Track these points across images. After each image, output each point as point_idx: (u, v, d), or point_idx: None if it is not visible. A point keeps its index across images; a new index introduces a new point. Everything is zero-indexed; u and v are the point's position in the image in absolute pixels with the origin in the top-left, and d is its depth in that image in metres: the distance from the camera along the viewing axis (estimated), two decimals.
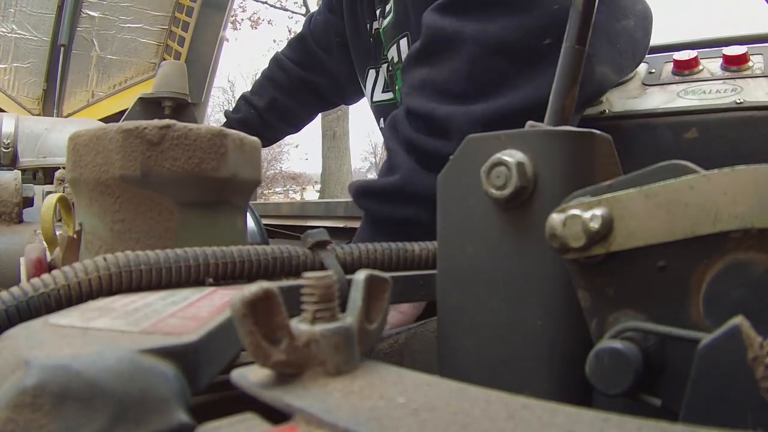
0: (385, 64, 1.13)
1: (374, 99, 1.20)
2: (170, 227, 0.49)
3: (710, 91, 0.80)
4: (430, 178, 0.74)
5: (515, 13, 0.73)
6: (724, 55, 0.82)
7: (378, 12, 1.12)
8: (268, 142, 1.51)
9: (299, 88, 1.44)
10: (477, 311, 0.37)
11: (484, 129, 0.75)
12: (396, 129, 0.80)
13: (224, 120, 1.49)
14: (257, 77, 1.51)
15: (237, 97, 1.53)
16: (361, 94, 1.41)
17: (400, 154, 0.78)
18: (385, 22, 1.07)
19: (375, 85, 1.19)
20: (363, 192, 0.81)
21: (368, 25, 1.17)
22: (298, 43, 1.45)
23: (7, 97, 2.10)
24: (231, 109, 1.52)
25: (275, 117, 1.46)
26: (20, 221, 0.97)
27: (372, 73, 1.20)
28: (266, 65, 1.50)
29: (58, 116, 2.12)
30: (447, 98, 0.75)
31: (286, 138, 2.12)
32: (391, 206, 0.78)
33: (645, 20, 0.85)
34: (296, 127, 1.55)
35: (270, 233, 1.41)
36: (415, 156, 0.77)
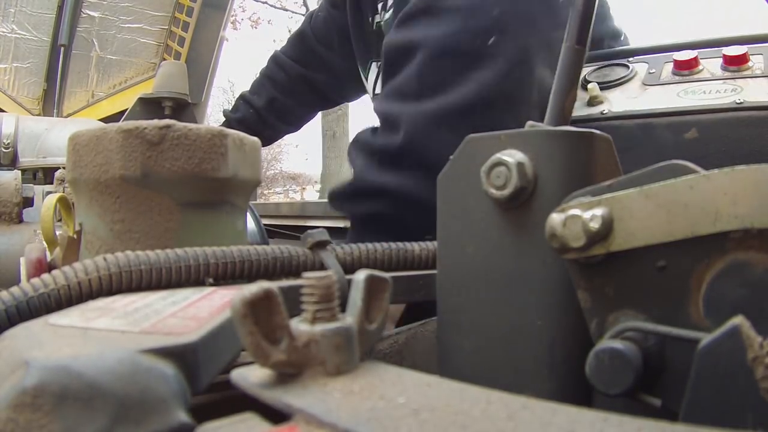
0: None
1: (376, 92, 1.21)
2: (170, 227, 0.49)
3: (710, 91, 0.80)
4: (381, 172, 0.80)
5: (459, 19, 0.78)
6: (724, 55, 0.82)
7: (380, 5, 1.14)
8: (267, 141, 1.51)
9: (298, 86, 1.43)
10: (477, 311, 0.37)
11: (433, 122, 0.77)
12: (356, 138, 0.87)
13: (224, 120, 1.49)
14: (256, 76, 1.51)
15: (238, 96, 1.53)
16: (361, 92, 1.42)
17: (354, 156, 0.85)
18: (387, 15, 1.09)
19: (377, 78, 1.20)
20: (330, 196, 0.88)
21: (370, 19, 1.18)
22: (297, 40, 1.44)
23: (7, 97, 2.10)
24: (230, 109, 1.52)
25: (274, 116, 1.46)
26: (20, 221, 0.97)
27: (374, 66, 1.21)
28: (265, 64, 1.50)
29: (58, 116, 2.12)
30: (400, 98, 0.81)
31: (286, 138, 2.13)
32: (351, 204, 0.84)
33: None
34: (295, 126, 1.55)
35: (270, 233, 1.41)
36: (365, 153, 0.83)
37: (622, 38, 1.14)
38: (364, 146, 0.84)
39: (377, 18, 1.17)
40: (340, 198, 0.86)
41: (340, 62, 1.36)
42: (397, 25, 0.85)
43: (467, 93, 0.77)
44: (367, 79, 1.25)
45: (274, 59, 1.46)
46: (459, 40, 0.78)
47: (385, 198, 0.80)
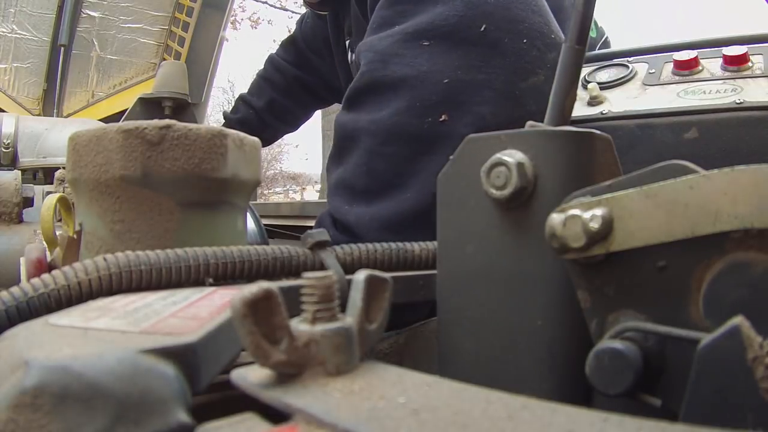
0: None
1: None
2: (170, 227, 0.49)
3: (710, 91, 0.80)
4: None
5: (403, 96, 0.71)
6: (724, 55, 0.82)
7: (347, 42, 1.13)
8: (266, 141, 1.52)
9: (295, 87, 1.45)
10: (477, 311, 0.37)
11: (386, 228, 0.70)
12: (318, 220, 0.81)
13: (224, 121, 1.50)
14: (254, 78, 1.52)
15: (237, 97, 1.54)
16: None
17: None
18: (352, 56, 1.08)
19: None
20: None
21: (347, 41, 1.18)
22: (290, 44, 1.46)
23: (7, 97, 2.10)
24: (229, 111, 1.52)
25: (274, 117, 1.47)
26: (20, 221, 0.97)
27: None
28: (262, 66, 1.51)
29: (58, 116, 2.12)
30: (355, 197, 0.74)
31: (286, 138, 2.13)
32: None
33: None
34: (294, 126, 1.56)
35: (270, 233, 1.41)
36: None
37: (604, 38, 1.13)
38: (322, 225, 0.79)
39: (349, 54, 1.15)
40: None
41: (328, 67, 1.37)
42: (345, 103, 0.78)
43: (419, 194, 0.70)
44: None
45: (271, 61, 1.47)
46: (406, 121, 0.70)
47: None
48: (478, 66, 0.71)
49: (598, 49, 1.04)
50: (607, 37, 1.15)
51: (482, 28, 0.70)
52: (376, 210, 0.72)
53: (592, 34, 1.12)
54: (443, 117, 0.70)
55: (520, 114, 0.72)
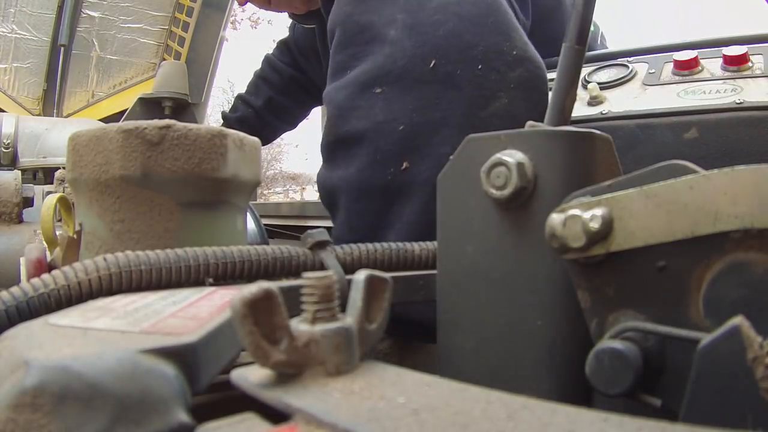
0: None
1: None
2: (170, 227, 0.49)
3: (710, 91, 0.80)
4: None
5: (366, 150, 0.70)
6: (724, 55, 0.82)
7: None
8: (266, 140, 1.52)
9: (293, 86, 1.45)
10: (477, 311, 0.37)
11: None
12: None
13: (223, 120, 1.50)
14: (251, 78, 1.52)
15: (235, 97, 1.54)
16: None
17: None
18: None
19: None
20: None
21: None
22: (284, 46, 1.47)
23: (7, 97, 2.10)
24: (228, 110, 1.52)
25: (273, 115, 1.47)
26: (20, 221, 0.97)
27: None
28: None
29: (58, 116, 2.12)
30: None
31: (285, 138, 2.13)
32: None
33: (528, 90, 0.72)
34: (293, 124, 1.57)
35: (270, 233, 1.41)
36: None
37: (599, 36, 1.13)
38: None
39: None
40: None
41: (321, 71, 1.37)
42: (322, 157, 0.78)
43: (397, 236, 0.69)
44: None
45: (267, 61, 1.48)
46: (371, 176, 0.70)
47: None
48: (433, 105, 0.69)
49: (618, 48, 1.04)
50: (601, 32, 1.15)
51: (432, 65, 0.69)
52: None
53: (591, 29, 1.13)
54: (405, 165, 0.69)
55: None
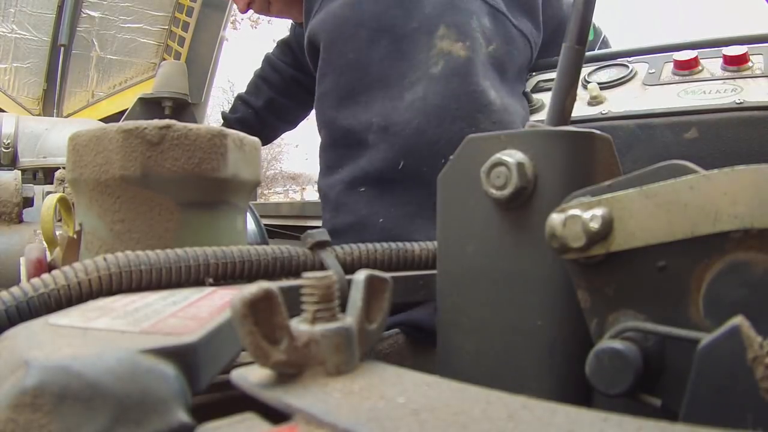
0: None
1: None
2: (170, 227, 0.49)
3: (710, 91, 0.80)
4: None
5: (352, 241, 0.81)
6: (724, 55, 0.82)
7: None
8: (266, 140, 1.52)
9: (293, 86, 1.45)
10: (477, 311, 0.37)
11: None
12: None
13: (223, 122, 1.50)
14: (251, 77, 1.51)
15: (235, 97, 1.54)
16: None
17: None
18: None
19: None
20: None
21: None
22: (285, 46, 1.46)
23: (7, 97, 2.10)
24: (228, 111, 1.52)
25: (273, 115, 1.47)
26: (20, 221, 0.97)
27: None
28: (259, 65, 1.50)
29: (58, 116, 2.12)
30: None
31: (285, 138, 2.13)
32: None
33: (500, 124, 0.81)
34: (293, 124, 1.57)
35: (270, 233, 1.41)
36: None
37: (602, 38, 1.14)
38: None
39: None
40: None
41: None
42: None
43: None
44: None
45: (268, 61, 1.47)
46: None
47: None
48: (406, 201, 0.78)
49: (598, 50, 1.04)
50: (605, 36, 1.15)
51: (400, 166, 0.78)
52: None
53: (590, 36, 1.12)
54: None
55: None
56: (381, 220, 0.78)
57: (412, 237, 0.75)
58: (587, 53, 0.45)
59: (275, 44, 1.51)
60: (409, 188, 0.78)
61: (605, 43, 1.15)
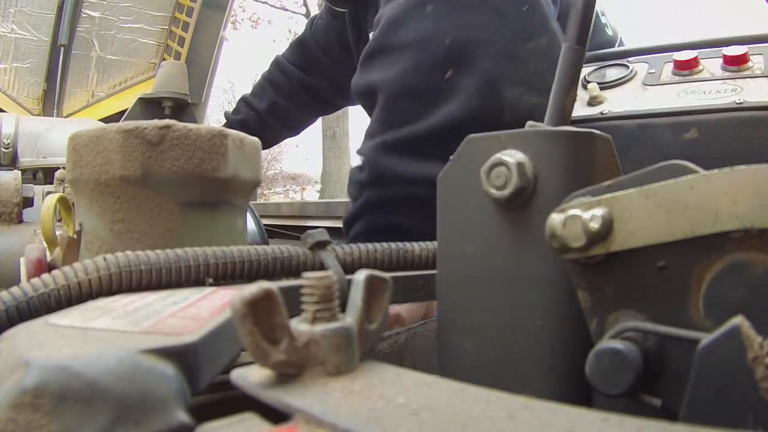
0: None
1: None
2: (170, 227, 0.49)
3: (710, 91, 0.80)
4: (355, 204, 0.84)
5: (412, 56, 0.78)
6: (724, 55, 0.82)
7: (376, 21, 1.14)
8: (267, 144, 1.51)
9: (300, 91, 1.44)
10: (477, 311, 0.37)
11: (391, 151, 0.78)
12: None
13: (224, 120, 1.49)
14: (257, 79, 1.51)
15: (237, 97, 1.54)
16: None
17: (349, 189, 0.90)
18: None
19: None
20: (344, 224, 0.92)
21: (370, 33, 1.18)
22: (299, 46, 1.45)
23: (7, 97, 2.10)
24: (231, 111, 1.52)
25: (275, 120, 1.46)
26: (20, 221, 0.97)
27: None
28: (266, 66, 1.50)
29: (58, 116, 2.12)
30: (367, 138, 0.84)
31: None
32: (347, 232, 0.90)
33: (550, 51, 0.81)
34: (296, 130, 1.56)
35: (270, 233, 1.41)
36: (350, 189, 0.88)
37: (617, 44, 1.14)
38: (349, 182, 0.88)
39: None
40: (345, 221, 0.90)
41: (340, 69, 1.36)
42: (359, 67, 0.85)
43: (428, 125, 0.77)
44: None
45: (276, 63, 1.46)
46: (414, 79, 0.78)
47: (358, 225, 0.84)
48: (480, 27, 0.76)
49: (618, 48, 1.04)
50: (620, 39, 1.15)
51: None
52: (382, 139, 0.79)
53: (608, 32, 1.13)
54: (449, 74, 0.76)
55: (521, 73, 0.78)
56: (448, 41, 0.76)
57: (477, 63, 0.75)
58: (587, 53, 0.45)
59: (288, 46, 1.50)
60: (486, 18, 0.77)
61: (621, 45, 1.15)
